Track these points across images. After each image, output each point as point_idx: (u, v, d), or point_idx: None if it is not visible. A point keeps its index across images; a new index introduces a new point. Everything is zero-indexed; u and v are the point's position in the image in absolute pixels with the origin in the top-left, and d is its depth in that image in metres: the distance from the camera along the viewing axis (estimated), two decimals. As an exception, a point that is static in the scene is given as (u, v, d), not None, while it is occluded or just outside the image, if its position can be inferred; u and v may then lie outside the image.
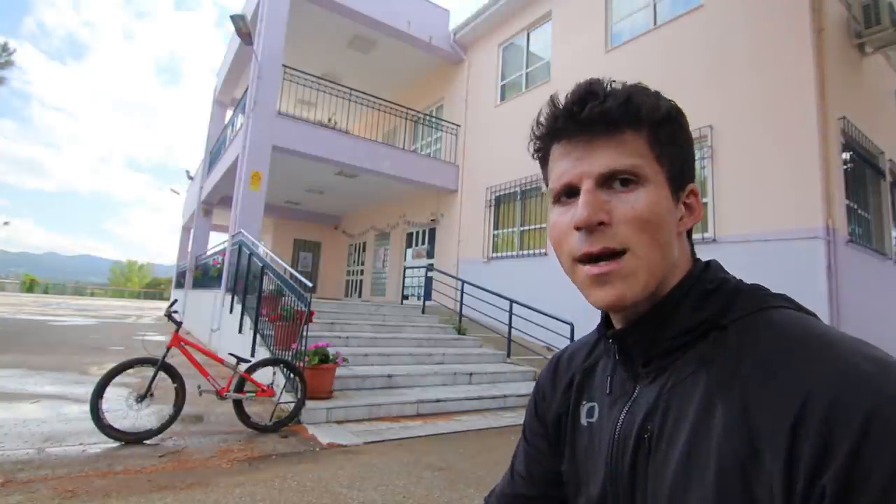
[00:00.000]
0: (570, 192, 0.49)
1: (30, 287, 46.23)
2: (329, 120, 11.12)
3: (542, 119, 0.51)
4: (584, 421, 0.56)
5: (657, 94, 0.51)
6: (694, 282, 0.49)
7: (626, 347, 0.51)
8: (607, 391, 0.54)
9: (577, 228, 0.47)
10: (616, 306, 0.47)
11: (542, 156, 0.54)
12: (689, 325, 0.46)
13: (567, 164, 0.49)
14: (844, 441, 0.33)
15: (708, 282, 0.48)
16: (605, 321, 0.55)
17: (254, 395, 3.95)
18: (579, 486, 0.55)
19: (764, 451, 0.36)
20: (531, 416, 0.66)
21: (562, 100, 0.50)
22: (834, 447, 0.33)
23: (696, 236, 0.59)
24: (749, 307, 0.45)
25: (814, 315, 0.45)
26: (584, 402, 0.57)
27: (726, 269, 0.52)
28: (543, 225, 8.55)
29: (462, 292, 8.26)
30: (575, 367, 0.61)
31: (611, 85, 0.49)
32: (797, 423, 0.35)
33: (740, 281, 0.50)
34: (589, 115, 0.47)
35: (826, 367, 0.36)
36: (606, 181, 0.47)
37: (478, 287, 8.06)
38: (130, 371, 3.46)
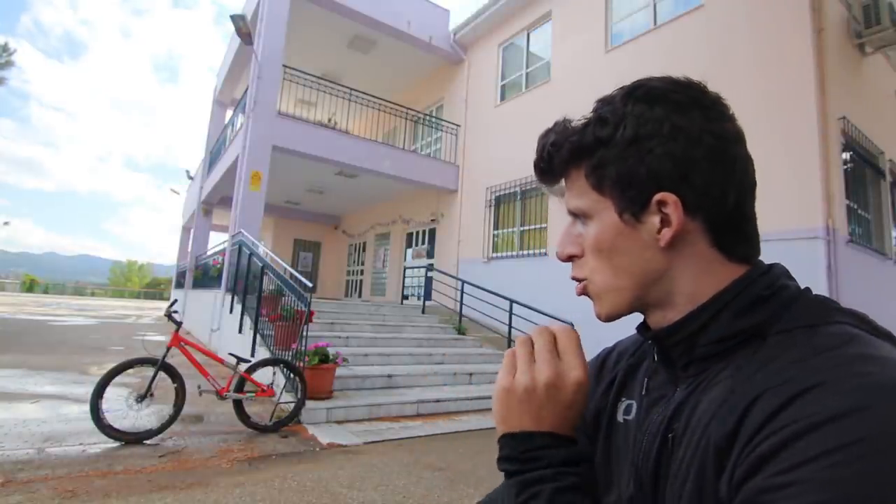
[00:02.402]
0: None
1: (30, 287, 46.27)
2: (329, 120, 11.12)
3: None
4: (620, 418, 0.56)
5: (600, 115, 0.50)
6: (742, 288, 0.46)
7: (664, 349, 0.51)
8: (645, 392, 0.54)
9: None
10: (602, 320, 0.53)
11: None
12: (725, 332, 0.45)
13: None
14: (771, 441, 0.35)
15: (764, 288, 0.46)
16: (644, 321, 0.55)
17: (254, 395, 3.95)
18: (610, 483, 0.55)
19: (738, 438, 0.38)
20: None
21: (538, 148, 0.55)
22: (764, 445, 0.35)
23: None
24: (798, 321, 0.43)
25: (889, 336, 0.42)
26: (623, 399, 0.57)
27: None
28: (544, 225, 8.55)
29: (462, 292, 8.26)
30: (620, 365, 0.61)
31: (559, 127, 0.52)
32: (766, 422, 0.36)
33: (803, 290, 0.47)
34: (537, 175, 0.55)
35: (827, 378, 0.36)
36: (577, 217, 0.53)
37: (478, 287, 8.06)
38: (130, 371, 3.47)
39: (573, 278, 0.54)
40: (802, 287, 0.48)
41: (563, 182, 0.54)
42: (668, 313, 0.49)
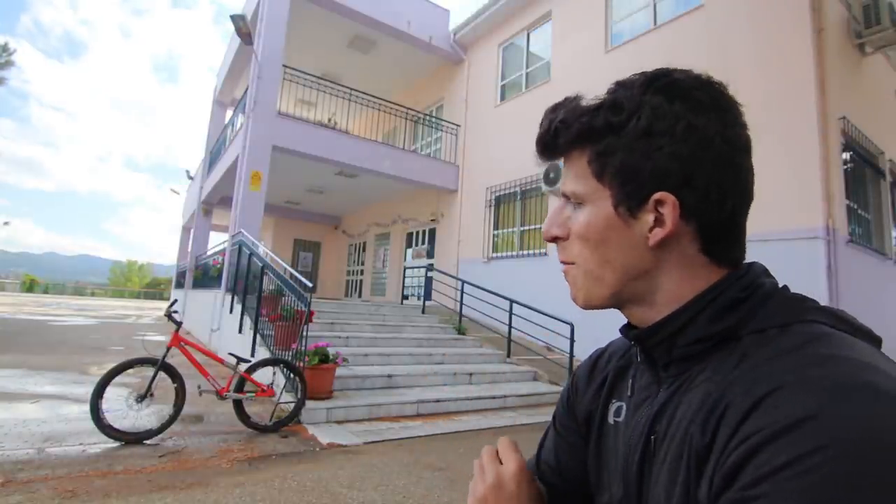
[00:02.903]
0: None
1: (30, 287, 46.26)
2: (329, 120, 11.12)
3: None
4: (611, 420, 0.57)
5: (613, 100, 0.48)
6: (721, 290, 0.46)
7: (647, 349, 0.51)
8: (632, 393, 0.54)
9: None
10: (580, 306, 0.53)
11: None
12: (702, 334, 0.45)
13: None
14: (748, 444, 0.34)
15: (741, 290, 0.46)
16: (629, 322, 0.55)
17: (254, 395, 3.95)
18: (601, 484, 0.55)
19: (714, 447, 0.38)
20: (563, 407, 0.66)
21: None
22: (741, 447, 0.35)
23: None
24: (771, 321, 0.43)
25: (868, 332, 0.43)
26: (614, 401, 0.58)
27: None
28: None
29: (462, 292, 8.26)
30: (611, 366, 0.61)
31: (570, 105, 0.51)
32: (740, 424, 0.36)
33: (779, 288, 0.47)
34: (543, 148, 0.53)
35: (796, 378, 0.36)
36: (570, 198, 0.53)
37: (478, 287, 8.06)
38: (130, 371, 3.46)
39: (561, 261, 0.54)
40: (791, 287, 0.48)
41: (559, 159, 0.54)
42: (646, 311, 0.49)
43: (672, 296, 0.48)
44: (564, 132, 0.50)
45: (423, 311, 8.85)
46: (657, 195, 0.46)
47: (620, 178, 0.47)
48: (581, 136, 0.49)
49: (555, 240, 0.54)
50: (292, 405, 4.05)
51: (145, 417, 3.61)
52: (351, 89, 9.50)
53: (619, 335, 0.66)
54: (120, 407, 3.44)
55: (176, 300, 4.77)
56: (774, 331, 0.42)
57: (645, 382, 0.52)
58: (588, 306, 0.52)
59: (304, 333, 4.61)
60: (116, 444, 3.32)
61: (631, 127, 0.46)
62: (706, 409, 0.40)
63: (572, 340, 6.28)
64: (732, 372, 0.41)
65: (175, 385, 3.58)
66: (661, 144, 0.45)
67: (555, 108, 0.52)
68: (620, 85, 0.50)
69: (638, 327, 0.52)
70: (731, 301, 0.45)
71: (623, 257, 0.48)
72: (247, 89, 8.49)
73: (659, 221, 0.46)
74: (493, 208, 9.60)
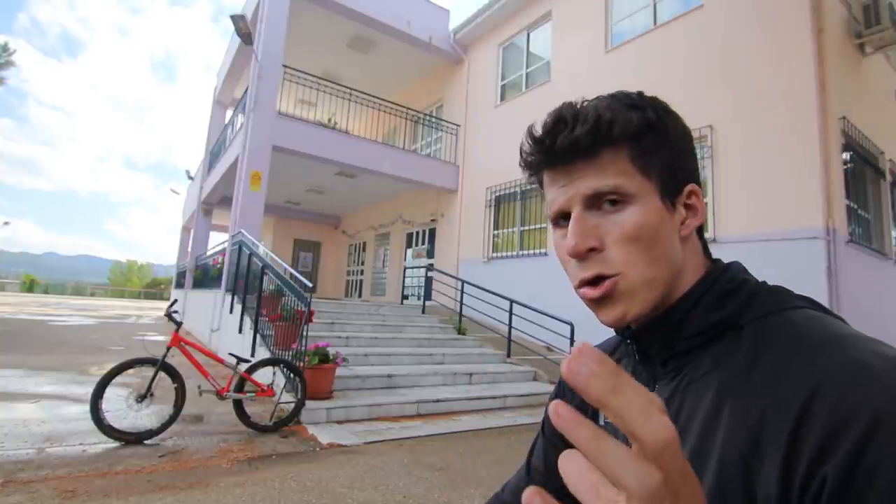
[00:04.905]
0: (565, 216, 0.49)
1: (30, 287, 46.25)
2: (329, 120, 11.12)
3: (522, 152, 0.52)
4: (601, 421, 0.56)
5: (633, 102, 0.48)
6: (711, 283, 0.48)
7: (644, 347, 0.51)
8: None
9: (571, 256, 0.47)
10: (620, 324, 0.48)
11: (538, 181, 0.55)
12: (703, 325, 0.46)
13: (555, 192, 0.49)
14: (851, 433, 0.32)
15: (728, 282, 0.48)
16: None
17: (254, 395, 3.95)
18: None
19: (766, 442, 0.37)
20: None
21: (538, 129, 0.49)
22: (840, 439, 0.33)
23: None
24: (767, 308, 0.45)
25: (838, 317, 0.44)
26: None
27: None
28: (543, 225, 8.55)
29: (462, 292, 8.26)
30: None
31: (582, 105, 0.48)
32: (803, 415, 0.35)
33: (762, 282, 0.49)
34: (561, 145, 0.47)
35: (837, 362, 0.36)
36: (594, 203, 0.47)
37: (478, 287, 8.06)
38: (130, 371, 3.46)
39: (598, 276, 0.46)
40: (791, 287, 0.50)
41: (572, 162, 0.48)
42: (650, 311, 0.49)
43: (681, 290, 0.49)
44: (596, 132, 0.46)
45: (423, 311, 8.85)
46: (689, 186, 0.50)
47: (668, 173, 0.49)
48: (625, 134, 0.47)
49: (587, 253, 0.47)
50: (292, 405, 4.05)
51: (145, 417, 3.61)
52: (351, 89, 9.50)
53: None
54: (120, 407, 3.44)
55: (176, 300, 4.77)
56: (773, 317, 0.44)
57: (639, 381, 0.52)
58: (636, 319, 0.47)
59: (304, 333, 4.61)
60: (116, 444, 3.32)
61: (670, 125, 0.50)
62: (741, 405, 0.40)
63: (572, 340, 6.28)
64: (753, 362, 0.41)
65: (175, 385, 3.58)
66: (686, 143, 0.51)
67: (572, 106, 0.49)
68: (615, 99, 0.50)
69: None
70: (722, 292, 0.47)
71: (670, 252, 0.47)
72: (247, 89, 8.49)
73: (691, 209, 0.50)
74: (493, 208, 9.60)
